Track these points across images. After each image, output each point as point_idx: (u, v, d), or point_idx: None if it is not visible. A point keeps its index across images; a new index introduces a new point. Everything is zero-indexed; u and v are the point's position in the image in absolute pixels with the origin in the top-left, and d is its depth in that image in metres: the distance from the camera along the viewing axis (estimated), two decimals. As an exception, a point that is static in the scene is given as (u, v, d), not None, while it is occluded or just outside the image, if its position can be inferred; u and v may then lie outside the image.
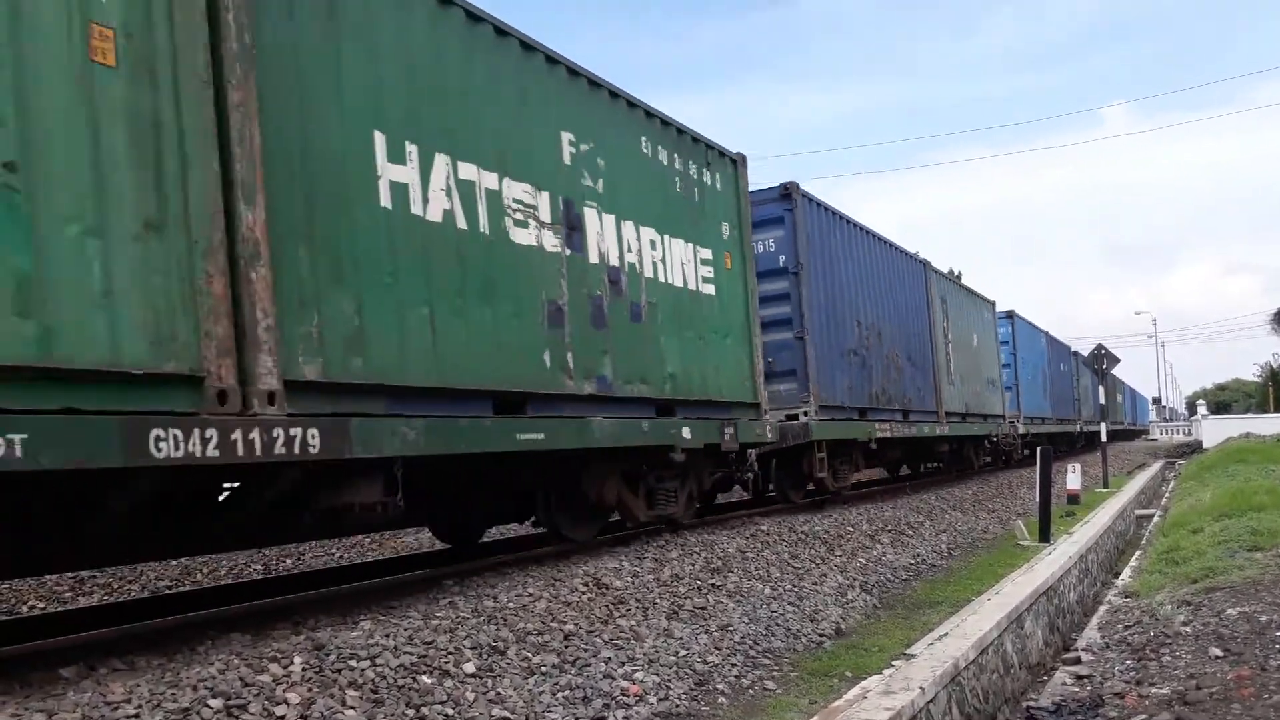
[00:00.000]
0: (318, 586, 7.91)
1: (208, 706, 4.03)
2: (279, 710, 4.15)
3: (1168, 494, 25.65)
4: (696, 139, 9.74)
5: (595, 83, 8.14)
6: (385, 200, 5.83)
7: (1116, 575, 13.77)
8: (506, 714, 4.71)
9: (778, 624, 7.19)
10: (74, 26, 4.18)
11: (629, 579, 7.23)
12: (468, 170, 6.55)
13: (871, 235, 15.10)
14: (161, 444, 4.23)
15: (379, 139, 5.80)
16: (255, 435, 4.65)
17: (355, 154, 5.64)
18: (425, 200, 6.15)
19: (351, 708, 4.33)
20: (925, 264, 17.96)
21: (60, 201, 4.08)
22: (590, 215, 7.90)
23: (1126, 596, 10.92)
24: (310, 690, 4.37)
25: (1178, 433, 73.28)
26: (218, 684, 4.22)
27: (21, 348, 3.88)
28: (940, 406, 17.53)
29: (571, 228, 7.61)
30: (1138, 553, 15.37)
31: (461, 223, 6.45)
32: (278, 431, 4.75)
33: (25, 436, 3.77)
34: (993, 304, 23.21)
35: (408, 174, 6.02)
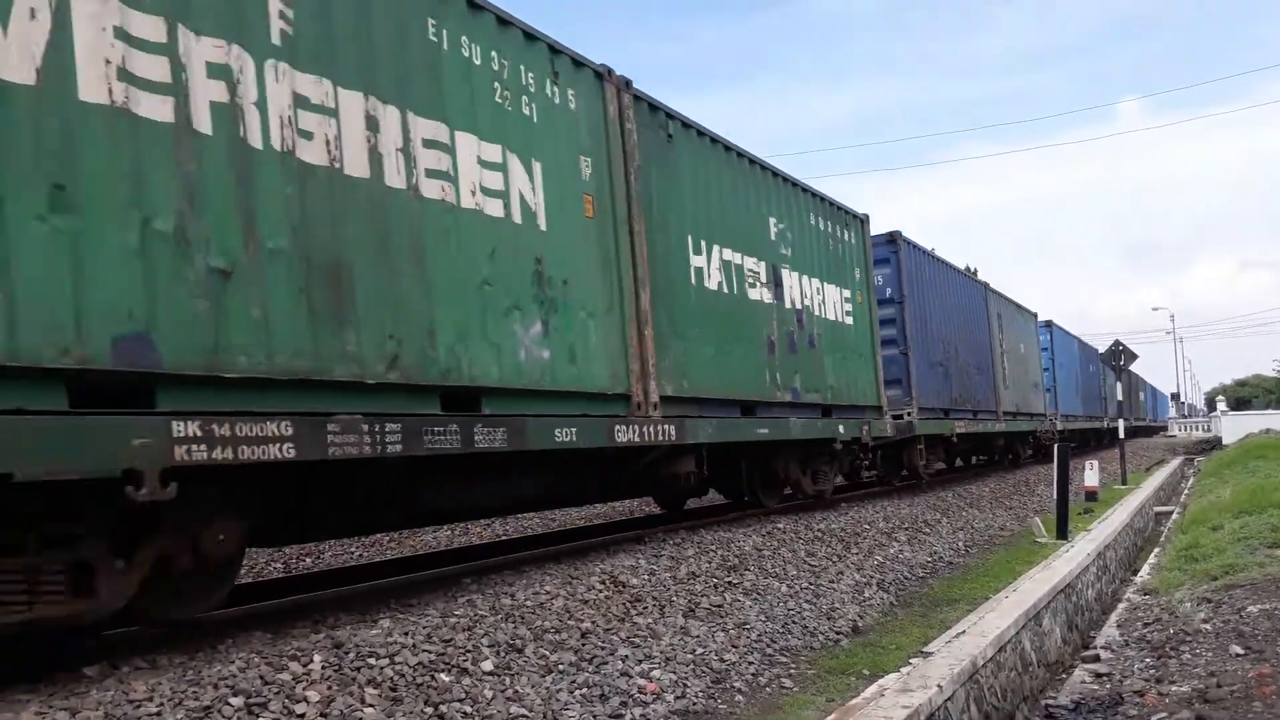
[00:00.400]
0: (337, 585, 7.96)
1: (228, 704, 4.06)
2: (299, 708, 4.18)
3: (1187, 490, 25.47)
4: (839, 207, 13.23)
5: (787, 179, 11.66)
6: (692, 279, 9.32)
7: (1135, 572, 13.70)
8: (524, 712, 4.73)
9: (795, 622, 7.19)
10: (581, 198, 7.71)
11: (646, 577, 7.24)
12: (728, 253, 10.04)
13: (948, 266, 18.67)
14: (620, 434, 7.60)
15: (689, 240, 9.34)
16: (651, 428, 8.06)
17: (679, 251, 9.17)
18: (708, 276, 9.62)
19: (370, 705, 4.36)
20: (985, 285, 21.19)
21: (581, 299, 7.53)
22: (785, 274, 11.34)
23: (1146, 594, 10.86)
24: (330, 688, 4.40)
25: (1197, 429, 72.77)
26: (238, 682, 4.26)
27: (609, 382, 7.83)
28: (999, 406, 20.79)
29: (776, 284, 11.09)
30: (1156, 550, 15.28)
31: (725, 289, 9.91)
32: (660, 427, 8.16)
33: (576, 430, 7.03)
34: (1035, 315, 26.34)
35: (701, 260, 9.52)
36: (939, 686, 5.67)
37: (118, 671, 4.47)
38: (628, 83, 8.55)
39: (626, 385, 7.92)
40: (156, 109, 4.55)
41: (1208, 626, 8.35)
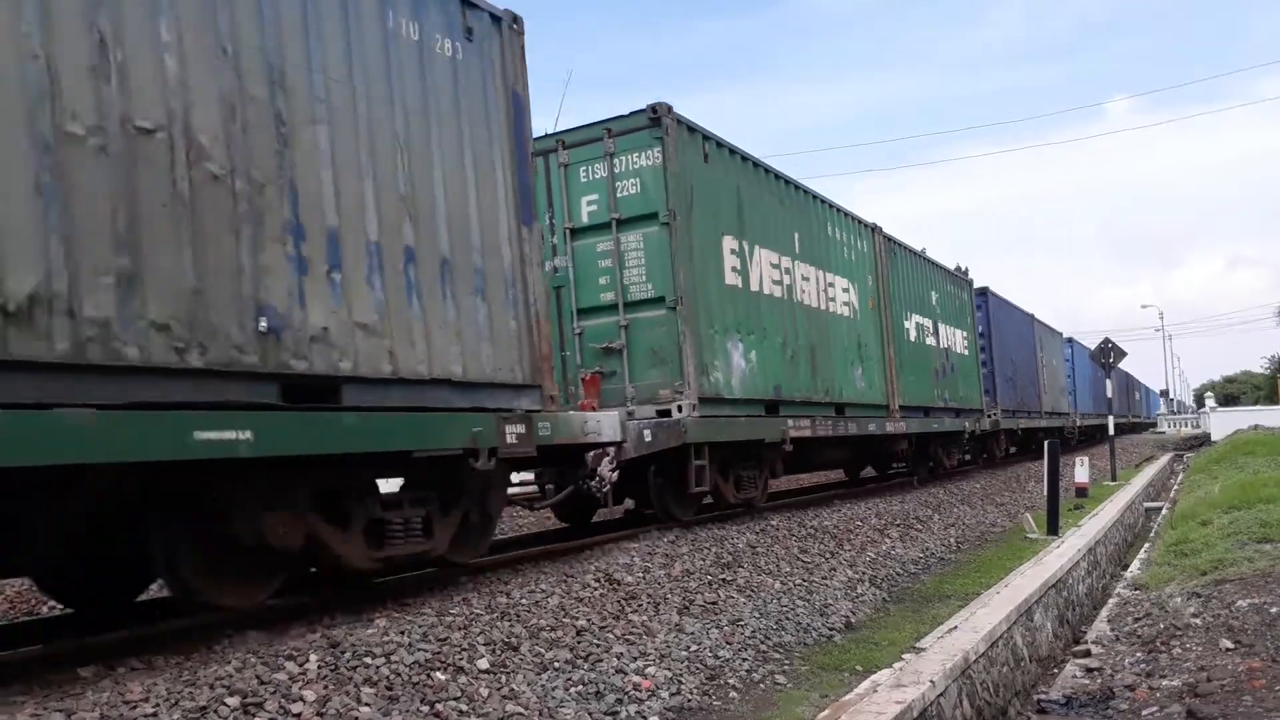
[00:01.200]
0: (333, 584, 7.94)
1: (225, 704, 4.07)
2: (295, 708, 4.19)
3: (1176, 486, 25.61)
4: (962, 277, 20.80)
5: (938, 266, 19.47)
6: (908, 336, 17.11)
7: (1125, 568, 13.76)
8: (520, 709, 4.74)
9: (788, 618, 7.22)
10: (868, 299, 14.98)
11: (640, 575, 7.26)
12: (919, 318, 17.41)
13: (1014, 306, 26.78)
14: (887, 426, 14.88)
15: (904, 313, 16.76)
16: (896, 424, 15.50)
17: (901, 320, 16.70)
18: (911, 333, 17.09)
19: (367, 705, 4.37)
20: (1032, 316, 28.68)
21: (871, 354, 14.98)
22: (941, 326, 18.80)
23: (1136, 589, 10.92)
24: (326, 688, 4.41)
25: (1186, 425, 73.11)
26: (234, 682, 4.26)
27: (883, 399, 15.33)
28: (1041, 408, 28.35)
29: (936, 334, 18.23)
30: (1146, 545, 15.36)
31: (920, 340, 17.74)
32: (900, 423, 15.64)
33: (886, 421, 14.99)
34: (1061, 334, 34.04)
35: (910, 324, 17.28)
36: (932, 682, 5.70)
37: (113, 672, 4.48)
38: (880, 229, 15.61)
39: (886, 399, 15.10)
40: (778, 290, 11.84)
41: (1198, 621, 8.41)
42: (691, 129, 10.33)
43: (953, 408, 18.90)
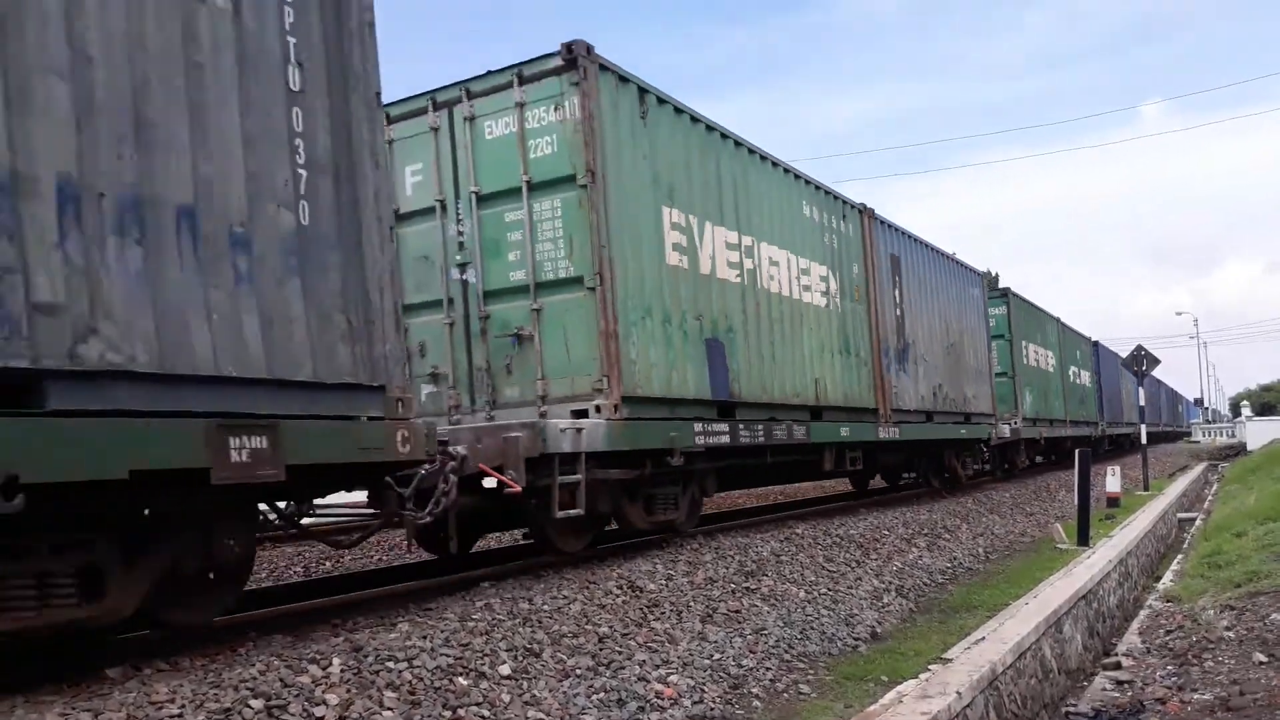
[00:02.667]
0: (356, 589, 8.00)
1: (249, 707, 4.10)
2: (318, 711, 4.21)
3: (1210, 497, 25.23)
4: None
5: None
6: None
7: (1158, 579, 13.58)
8: (542, 715, 4.75)
9: (813, 628, 7.17)
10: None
11: (663, 582, 7.24)
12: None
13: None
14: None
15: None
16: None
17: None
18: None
19: (389, 709, 4.39)
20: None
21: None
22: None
23: (1168, 601, 10.76)
24: (349, 691, 4.43)
25: (1221, 434, 72.07)
26: (258, 685, 4.29)
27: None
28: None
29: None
30: (1179, 557, 15.15)
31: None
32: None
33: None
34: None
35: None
36: (958, 693, 5.64)
37: (140, 674, 4.52)
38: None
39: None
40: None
41: (1230, 634, 8.28)
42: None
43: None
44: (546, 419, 7.67)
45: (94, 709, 3.88)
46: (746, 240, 10.40)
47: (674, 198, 9.14)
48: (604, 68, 8.28)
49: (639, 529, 8.90)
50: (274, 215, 4.82)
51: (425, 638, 5.18)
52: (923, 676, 6.03)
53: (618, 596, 6.67)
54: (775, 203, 11.18)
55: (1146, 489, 21.75)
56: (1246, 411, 74.91)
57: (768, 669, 6.15)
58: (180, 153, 4.37)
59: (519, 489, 6.95)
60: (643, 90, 8.81)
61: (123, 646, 5.38)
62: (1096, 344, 34.37)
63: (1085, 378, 31.16)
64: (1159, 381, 55.77)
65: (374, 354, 5.30)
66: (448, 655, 5.03)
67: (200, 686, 4.21)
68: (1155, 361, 23.35)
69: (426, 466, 5.90)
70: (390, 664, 4.77)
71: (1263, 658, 7.44)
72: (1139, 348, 23.48)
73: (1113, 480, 17.81)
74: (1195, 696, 7.04)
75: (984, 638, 7.07)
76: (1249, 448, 52.42)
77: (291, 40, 4.96)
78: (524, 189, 8.28)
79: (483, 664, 5.08)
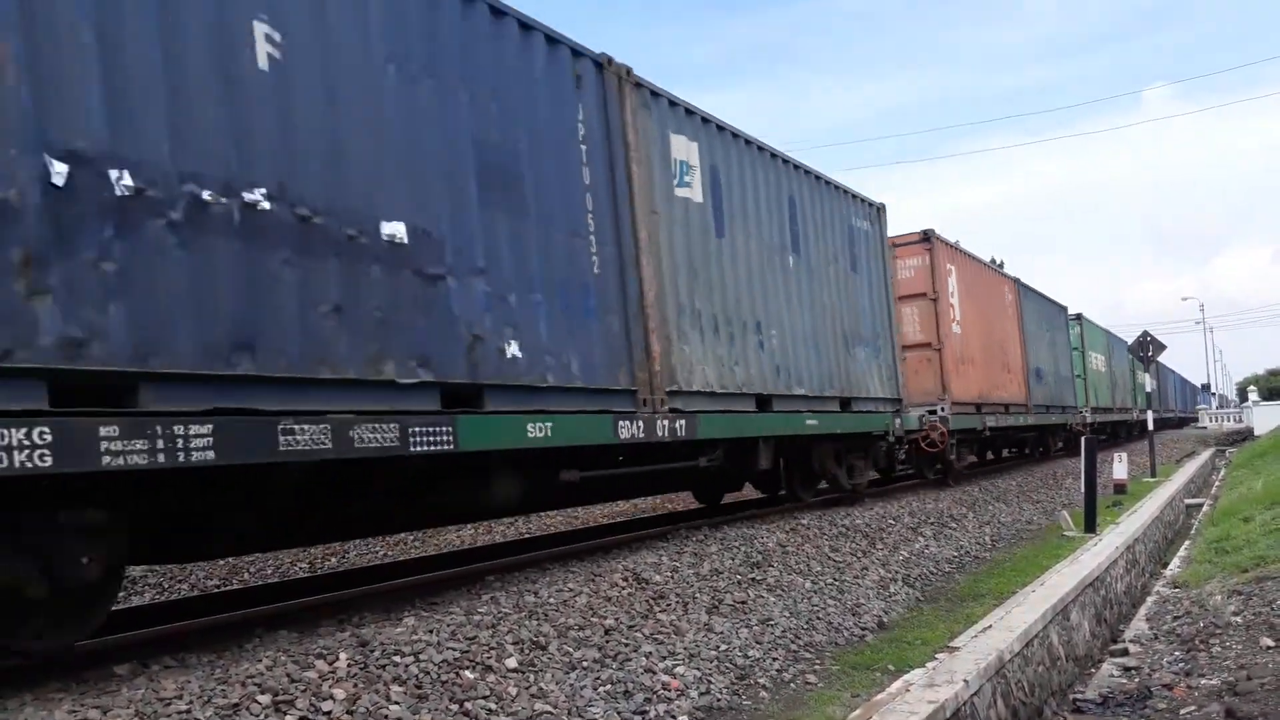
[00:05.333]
0: (362, 584, 8.01)
1: (256, 702, 4.11)
2: (325, 706, 4.22)
3: (1217, 482, 25.18)
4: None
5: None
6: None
7: (1165, 565, 13.56)
8: (549, 708, 4.75)
9: (819, 618, 7.17)
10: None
11: (669, 574, 7.25)
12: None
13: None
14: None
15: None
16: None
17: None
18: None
19: (396, 703, 4.40)
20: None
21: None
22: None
23: (1175, 587, 10.75)
24: (356, 686, 4.44)
25: (1228, 420, 71.91)
26: (266, 680, 4.30)
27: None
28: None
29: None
30: (1187, 542, 15.13)
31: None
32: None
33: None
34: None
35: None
36: (965, 681, 5.64)
37: (148, 670, 4.53)
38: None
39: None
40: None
41: (1238, 619, 8.27)
42: None
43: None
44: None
45: (102, 705, 3.90)
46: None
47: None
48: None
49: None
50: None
51: (431, 632, 5.19)
52: (930, 665, 6.03)
53: (624, 589, 6.68)
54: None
55: (1154, 475, 21.71)
56: (1254, 396, 74.75)
57: (774, 659, 6.15)
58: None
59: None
60: None
61: (130, 643, 5.40)
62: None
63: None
64: (1169, 369, 56.09)
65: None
66: (454, 649, 5.04)
67: (208, 682, 4.22)
68: (1161, 347, 23.30)
69: None
70: (397, 658, 4.78)
71: (1270, 642, 7.43)
72: (1145, 333, 23.42)
73: (1119, 467, 17.78)
74: (1202, 682, 7.04)
75: (991, 626, 7.07)
76: (1256, 432, 52.30)
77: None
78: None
79: (489, 657, 5.08)
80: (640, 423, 7.50)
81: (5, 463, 3.74)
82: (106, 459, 4.04)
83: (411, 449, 5.39)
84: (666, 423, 7.85)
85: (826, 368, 11.20)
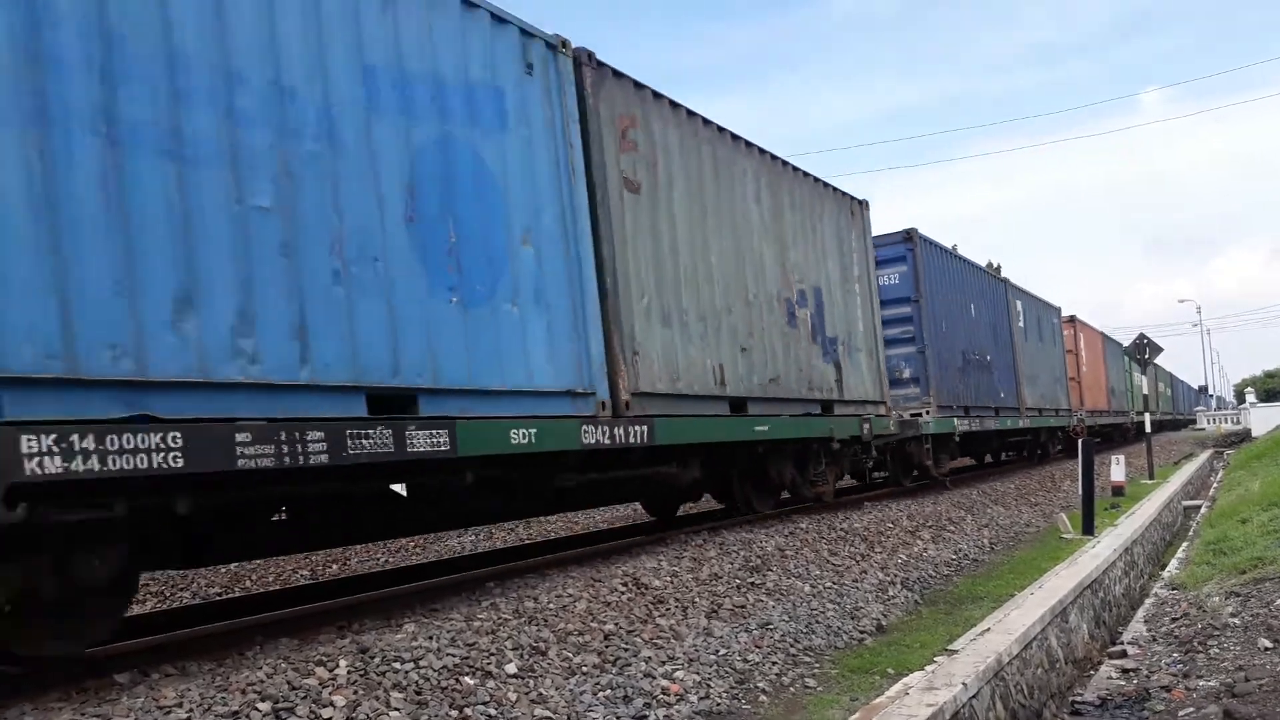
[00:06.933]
0: (363, 590, 8.02)
1: (256, 709, 4.12)
2: (325, 713, 4.23)
3: (1215, 484, 25.21)
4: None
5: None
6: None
7: (1163, 567, 13.58)
8: (549, 714, 4.76)
9: (818, 622, 7.19)
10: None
11: (668, 579, 7.26)
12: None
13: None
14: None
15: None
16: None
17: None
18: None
19: (396, 709, 4.41)
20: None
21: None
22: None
23: (1173, 589, 10.77)
24: (356, 693, 4.45)
25: (1226, 421, 71.98)
26: (266, 687, 4.32)
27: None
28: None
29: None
30: (1185, 544, 15.15)
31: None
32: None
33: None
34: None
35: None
36: (964, 684, 5.66)
37: (148, 678, 4.54)
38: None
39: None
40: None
41: (1236, 620, 8.28)
42: None
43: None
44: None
45: (102, 714, 3.91)
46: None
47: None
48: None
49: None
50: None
51: (431, 638, 5.20)
52: (929, 668, 6.04)
53: (623, 594, 6.69)
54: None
55: (1152, 478, 21.74)
56: (1251, 398, 74.83)
57: (773, 663, 6.17)
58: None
59: None
60: None
61: (130, 651, 5.41)
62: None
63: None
64: (1171, 375, 56.68)
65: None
66: (454, 655, 5.05)
67: (208, 690, 4.23)
68: (1158, 349, 23.34)
69: None
70: (397, 665, 4.79)
71: (1268, 643, 7.45)
72: (1141, 336, 23.47)
73: (1117, 469, 17.81)
74: (1200, 683, 7.05)
75: (989, 629, 7.08)
76: (1254, 434, 52.35)
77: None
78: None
79: (489, 663, 5.10)
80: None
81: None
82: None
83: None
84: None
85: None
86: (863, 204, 13.07)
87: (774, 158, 10.73)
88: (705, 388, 8.87)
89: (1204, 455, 34.16)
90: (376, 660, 4.79)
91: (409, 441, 5.45)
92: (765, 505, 11.17)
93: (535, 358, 6.83)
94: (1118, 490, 17.31)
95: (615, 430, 7.36)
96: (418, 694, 4.60)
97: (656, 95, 8.66)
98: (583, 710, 4.90)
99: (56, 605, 4.77)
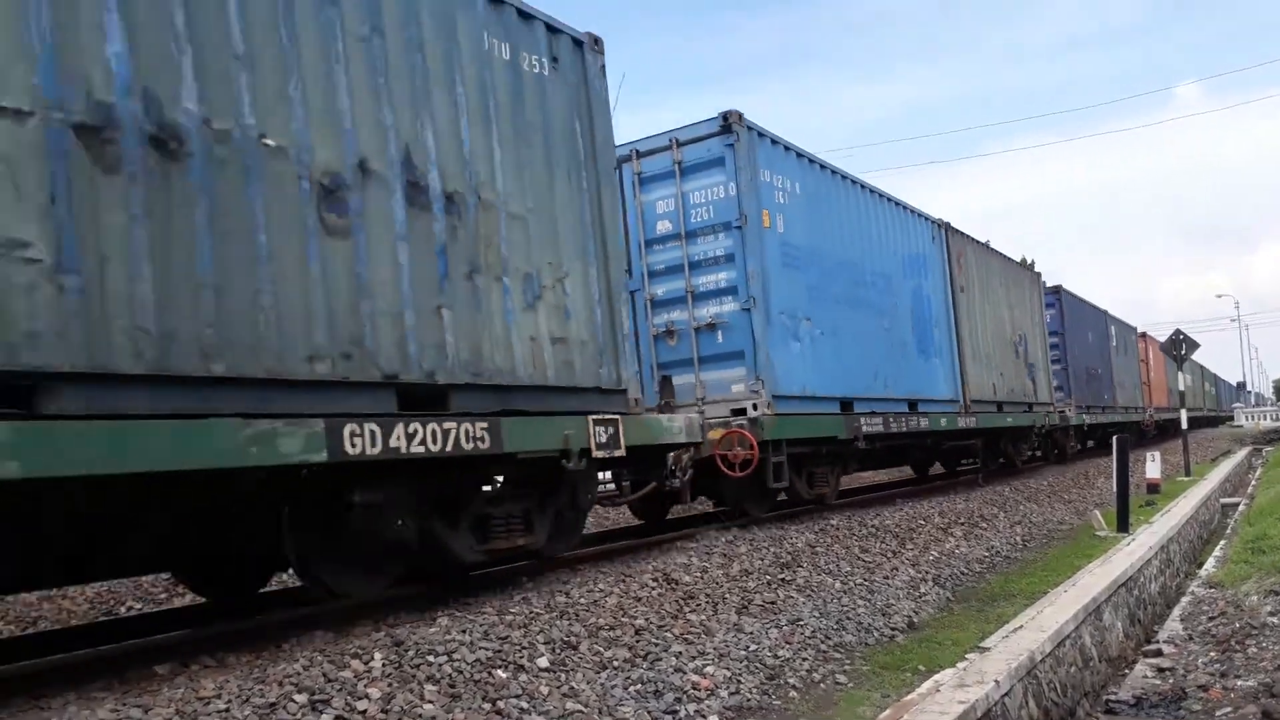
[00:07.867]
0: (395, 585, 8.09)
1: (293, 701, 4.18)
2: (360, 705, 4.29)
3: (1254, 481, 24.86)
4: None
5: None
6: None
7: (1200, 565, 13.41)
8: (580, 707, 4.80)
9: (849, 618, 7.17)
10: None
11: (698, 574, 7.28)
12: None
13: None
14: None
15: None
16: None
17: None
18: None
19: (430, 702, 4.46)
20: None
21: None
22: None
23: (1210, 587, 10.64)
24: (390, 685, 4.51)
25: (1265, 418, 70.84)
26: (302, 680, 4.38)
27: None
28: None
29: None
30: (1222, 542, 14.95)
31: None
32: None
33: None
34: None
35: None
36: (996, 682, 5.62)
37: (188, 670, 4.63)
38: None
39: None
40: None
41: (1275, 619, 8.18)
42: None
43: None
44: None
45: (144, 705, 3.99)
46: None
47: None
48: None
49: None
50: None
51: (464, 632, 5.25)
52: (960, 665, 6.01)
53: (654, 589, 6.72)
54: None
55: (1189, 474, 21.47)
56: (1291, 394, 73.60)
57: (804, 659, 6.17)
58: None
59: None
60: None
61: (171, 643, 5.51)
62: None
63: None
64: (1209, 371, 56.23)
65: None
66: (487, 649, 5.10)
67: (246, 682, 4.30)
68: (1194, 345, 23.03)
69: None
70: (430, 658, 4.84)
71: (1308, 643, 7.35)
72: (1177, 332, 23.17)
73: (1153, 466, 17.59)
74: (1238, 683, 6.97)
75: (1022, 626, 7.04)
76: (1294, 431, 51.49)
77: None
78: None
79: (521, 657, 5.14)
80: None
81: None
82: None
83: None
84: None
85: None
86: (1038, 274, 21.27)
87: (1007, 259, 19.33)
88: (988, 395, 16.57)
89: (1242, 452, 33.66)
90: (410, 653, 4.85)
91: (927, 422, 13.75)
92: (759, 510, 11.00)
93: (940, 382, 14.70)
94: (1153, 487, 17.10)
95: (965, 420, 15.25)
96: (451, 687, 4.65)
97: (974, 240, 17.16)
98: (614, 704, 4.93)
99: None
